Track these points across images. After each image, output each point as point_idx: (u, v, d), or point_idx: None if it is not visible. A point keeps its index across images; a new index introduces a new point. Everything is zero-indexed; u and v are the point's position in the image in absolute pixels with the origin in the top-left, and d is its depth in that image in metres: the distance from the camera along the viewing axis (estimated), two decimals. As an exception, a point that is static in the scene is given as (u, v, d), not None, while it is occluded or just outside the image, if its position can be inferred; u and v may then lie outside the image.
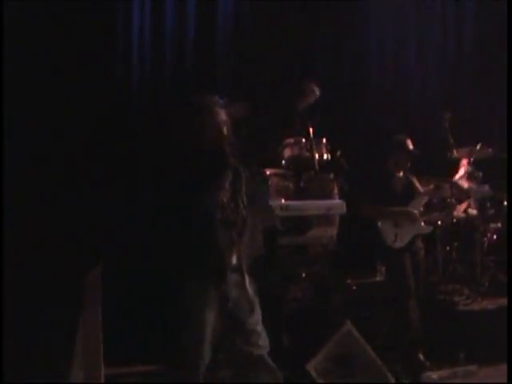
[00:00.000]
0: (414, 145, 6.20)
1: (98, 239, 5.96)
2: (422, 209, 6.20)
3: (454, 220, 6.99)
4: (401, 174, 6.24)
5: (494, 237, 7.27)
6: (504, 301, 6.53)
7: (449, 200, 6.73)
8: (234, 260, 3.53)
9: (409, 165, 6.22)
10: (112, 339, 4.57)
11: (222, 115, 3.64)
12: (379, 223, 6.02)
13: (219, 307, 3.47)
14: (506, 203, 7.06)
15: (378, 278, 6.62)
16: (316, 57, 8.07)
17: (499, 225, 7.27)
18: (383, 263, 6.42)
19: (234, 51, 7.60)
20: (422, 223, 6.13)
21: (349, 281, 6.39)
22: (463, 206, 7.35)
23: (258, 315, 3.60)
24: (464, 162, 7.49)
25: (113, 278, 4.94)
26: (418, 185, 6.34)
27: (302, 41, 7.83)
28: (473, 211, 7.34)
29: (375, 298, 6.11)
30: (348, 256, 6.20)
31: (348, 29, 8.24)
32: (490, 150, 7.43)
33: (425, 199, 6.29)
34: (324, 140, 6.32)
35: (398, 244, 5.93)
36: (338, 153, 6.30)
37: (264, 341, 3.59)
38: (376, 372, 5.03)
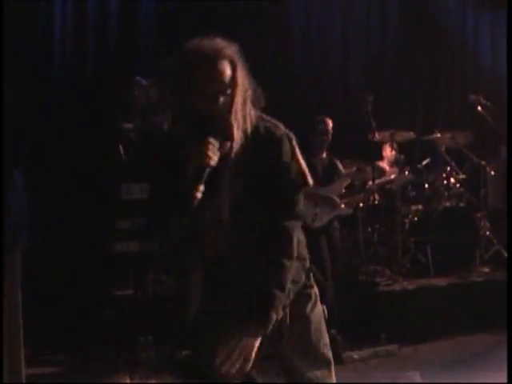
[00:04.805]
0: (335, 126, 6.18)
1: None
2: (343, 191, 6.19)
3: (376, 202, 6.98)
4: (324, 155, 6.22)
5: (415, 218, 7.33)
6: (424, 281, 6.62)
7: (370, 183, 6.74)
8: None
9: (326, 145, 6.19)
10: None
11: None
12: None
13: None
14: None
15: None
16: (240, 40, 7.96)
17: (420, 207, 7.34)
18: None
19: (157, 28, 7.47)
20: (343, 205, 6.12)
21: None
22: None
23: None
24: (386, 145, 7.54)
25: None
26: (340, 167, 6.34)
27: (226, 26, 7.75)
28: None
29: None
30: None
31: (272, 10, 8.17)
32: (412, 133, 7.49)
33: (347, 181, 6.29)
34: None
35: (318, 223, 5.90)
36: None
37: None
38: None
